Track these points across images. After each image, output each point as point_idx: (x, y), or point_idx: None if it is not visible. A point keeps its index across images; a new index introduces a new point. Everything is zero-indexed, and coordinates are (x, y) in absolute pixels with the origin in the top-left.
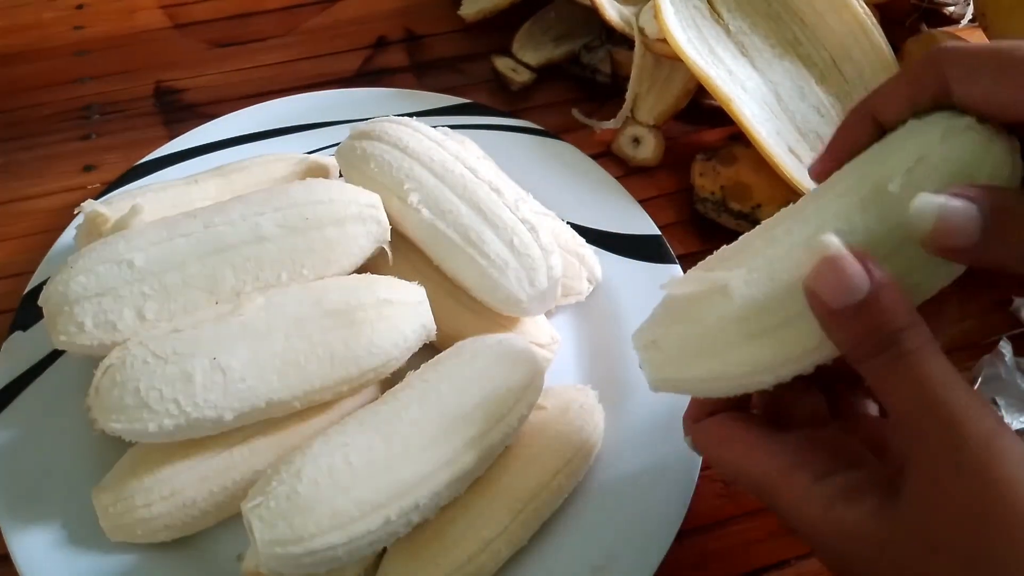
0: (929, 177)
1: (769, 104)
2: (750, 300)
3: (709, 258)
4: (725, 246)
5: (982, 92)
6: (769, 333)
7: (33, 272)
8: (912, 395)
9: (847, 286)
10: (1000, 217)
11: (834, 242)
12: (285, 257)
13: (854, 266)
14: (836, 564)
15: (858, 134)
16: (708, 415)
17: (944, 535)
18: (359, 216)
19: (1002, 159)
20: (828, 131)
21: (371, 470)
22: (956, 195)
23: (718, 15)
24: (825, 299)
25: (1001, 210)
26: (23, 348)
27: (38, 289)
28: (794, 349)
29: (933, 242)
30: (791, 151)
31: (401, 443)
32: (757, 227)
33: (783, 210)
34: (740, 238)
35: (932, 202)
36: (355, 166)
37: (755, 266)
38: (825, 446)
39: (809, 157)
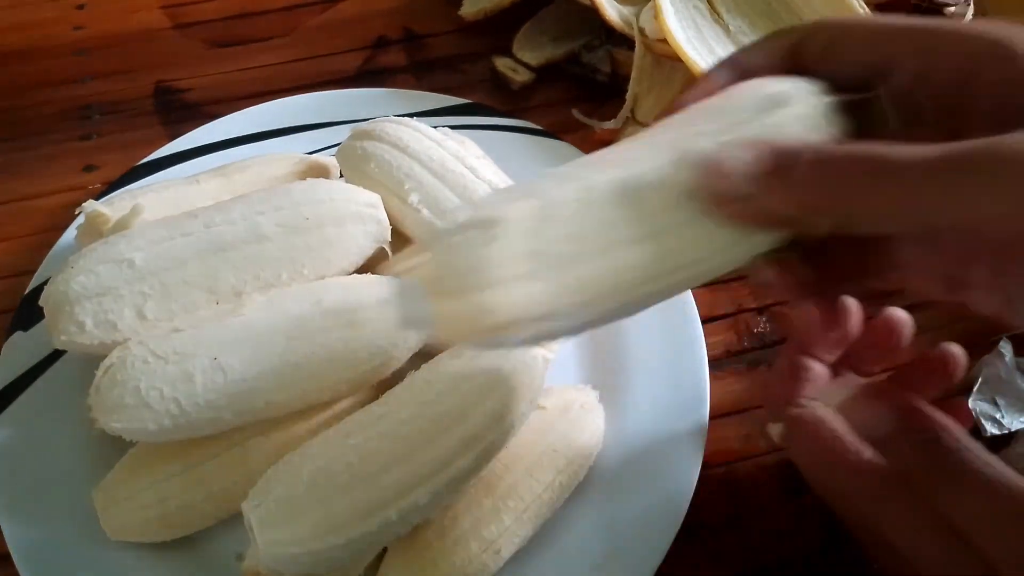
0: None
1: None
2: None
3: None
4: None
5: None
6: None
7: (34, 272)
8: None
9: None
10: (784, 161)
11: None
12: (285, 257)
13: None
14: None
15: (715, 87)
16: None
17: None
18: (359, 216)
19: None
20: None
21: (371, 471)
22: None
23: (718, 15)
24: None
25: (784, 154)
26: (24, 348)
27: (39, 289)
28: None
29: (700, 189)
30: None
31: (401, 444)
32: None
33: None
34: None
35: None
36: (355, 166)
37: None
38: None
39: None
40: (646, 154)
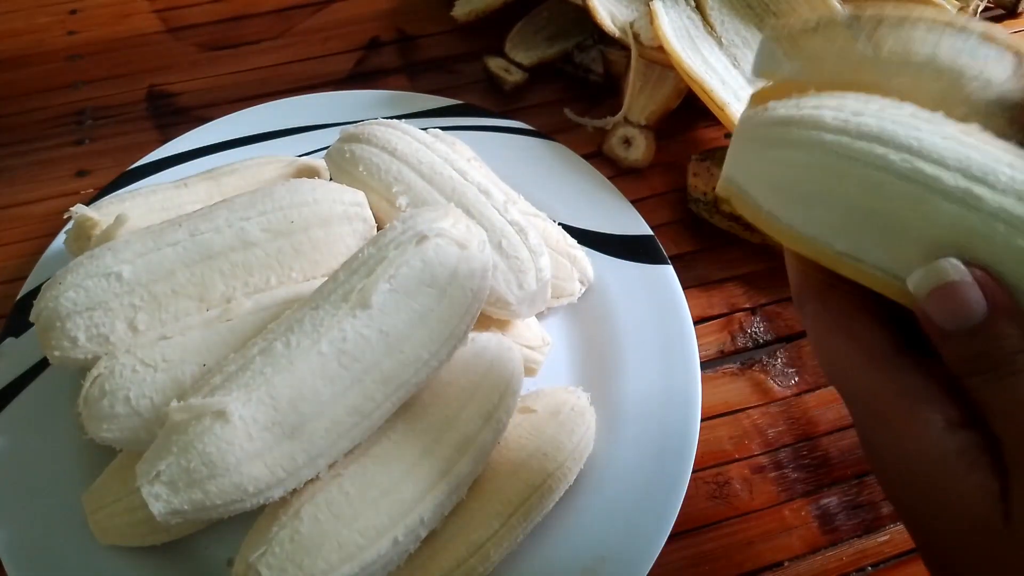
0: None
1: None
2: None
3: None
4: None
5: None
6: None
7: (26, 278)
8: (1017, 417)
9: (966, 313)
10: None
11: (956, 268)
12: (273, 261)
13: (973, 290)
14: (925, 523)
15: None
16: (829, 287)
17: None
18: (345, 215)
19: None
20: None
21: (370, 495)
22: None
23: (711, 27)
24: (938, 322)
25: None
26: (15, 354)
27: (30, 295)
28: None
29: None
30: None
31: (395, 462)
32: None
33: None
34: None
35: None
36: (344, 169)
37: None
38: (943, 390)
39: None
40: None
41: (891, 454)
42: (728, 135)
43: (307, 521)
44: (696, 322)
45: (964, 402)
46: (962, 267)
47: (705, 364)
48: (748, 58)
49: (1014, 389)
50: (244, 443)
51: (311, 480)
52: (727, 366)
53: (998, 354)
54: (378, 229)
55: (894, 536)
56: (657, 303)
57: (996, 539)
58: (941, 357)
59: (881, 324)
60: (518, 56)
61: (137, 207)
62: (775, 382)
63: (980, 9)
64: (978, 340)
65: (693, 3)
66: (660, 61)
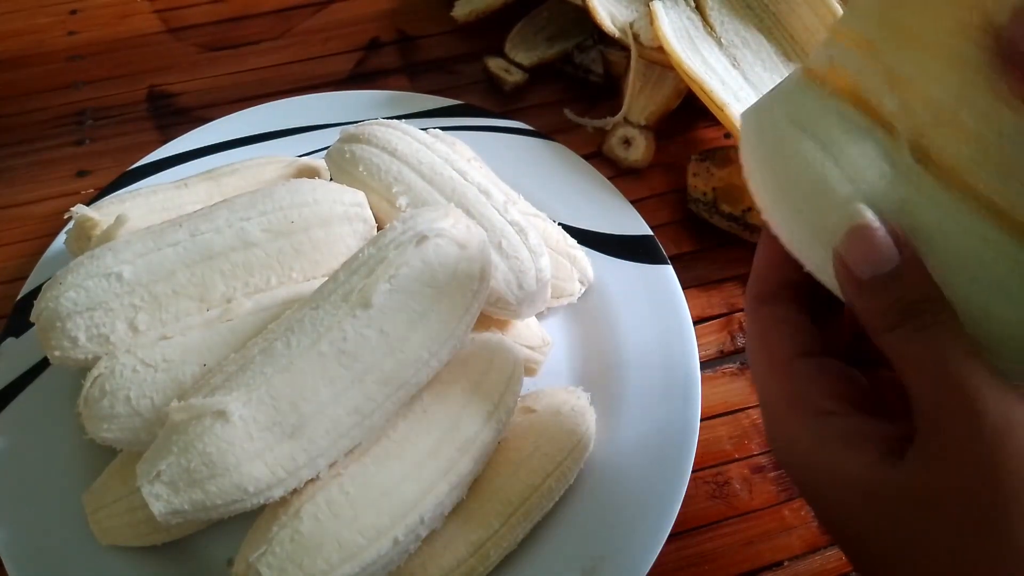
0: None
1: None
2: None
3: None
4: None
5: None
6: None
7: (26, 278)
8: (931, 368)
9: (877, 257)
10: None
11: (867, 212)
12: (273, 261)
13: (885, 238)
14: (821, 506)
15: None
16: (772, 296)
17: (949, 494)
18: (345, 216)
19: None
20: None
21: (370, 495)
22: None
23: (711, 27)
24: (854, 269)
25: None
26: (16, 354)
27: (31, 295)
28: None
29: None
30: None
31: (395, 462)
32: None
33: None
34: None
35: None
36: (344, 170)
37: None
38: (844, 382)
39: None
40: None
41: (784, 459)
42: (728, 135)
43: (307, 521)
44: (696, 322)
45: (858, 388)
46: (872, 214)
47: (705, 364)
48: (748, 58)
49: (932, 340)
50: (244, 443)
51: (311, 480)
52: (727, 366)
53: (914, 301)
54: (378, 229)
55: None
56: (657, 303)
57: (889, 499)
58: (855, 324)
59: (797, 332)
60: (518, 56)
61: (137, 207)
62: None
63: None
64: (894, 288)
65: (693, 4)
66: (660, 61)
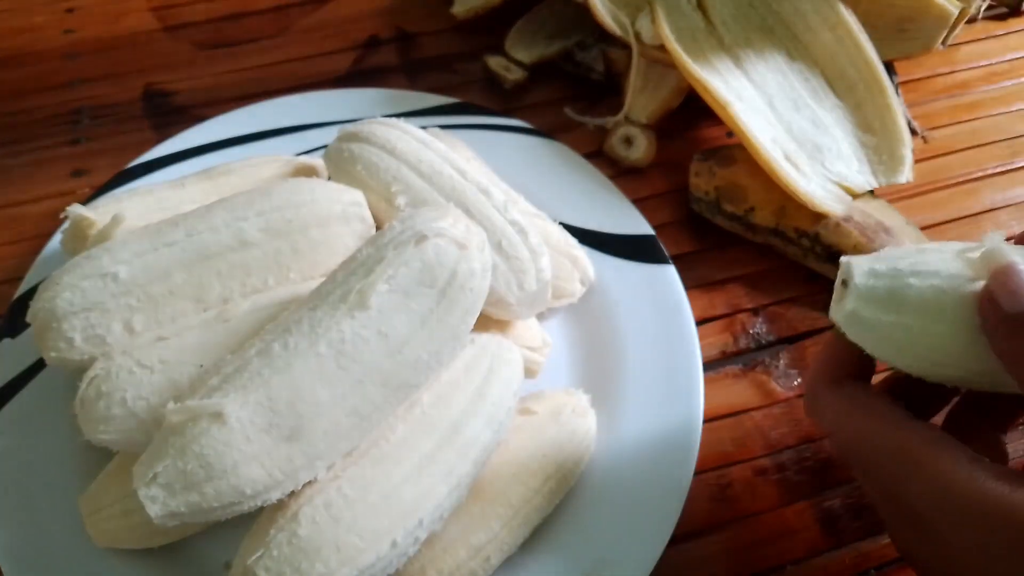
0: None
1: (764, 113)
2: None
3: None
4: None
5: None
6: None
7: (22, 278)
8: None
9: None
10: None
11: (1014, 252)
12: (271, 261)
13: None
14: (980, 544)
15: None
16: (837, 380)
17: None
18: (343, 215)
19: None
20: (824, 143)
21: (369, 498)
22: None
23: (713, 26)
24: (1003, 303)
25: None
26: (11, 355)
27: (27, 296)
28: None
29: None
30: (788, 158)
31: (394, 464)
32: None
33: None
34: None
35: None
36: (343, 168)
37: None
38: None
39: (808, 166)
40: None
41: (935, 497)
42: (730, 134)
43: (305, 524)
44: (698, 323)
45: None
46: (1015, 253)
47: (707, 365)
48: (750, 57)
49: None
50: (241, 445)
51: (309, 482)
52: (729, 367)
53: None
54: (377, 229)
55: None
56: (659, 304)
57: None
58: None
59: (891, 400)
60: (518, 54)
61: (134, 207)
62: (777, 384)
63: (983, 8)
64: None
65: (695, 2)
66: (661, 60)
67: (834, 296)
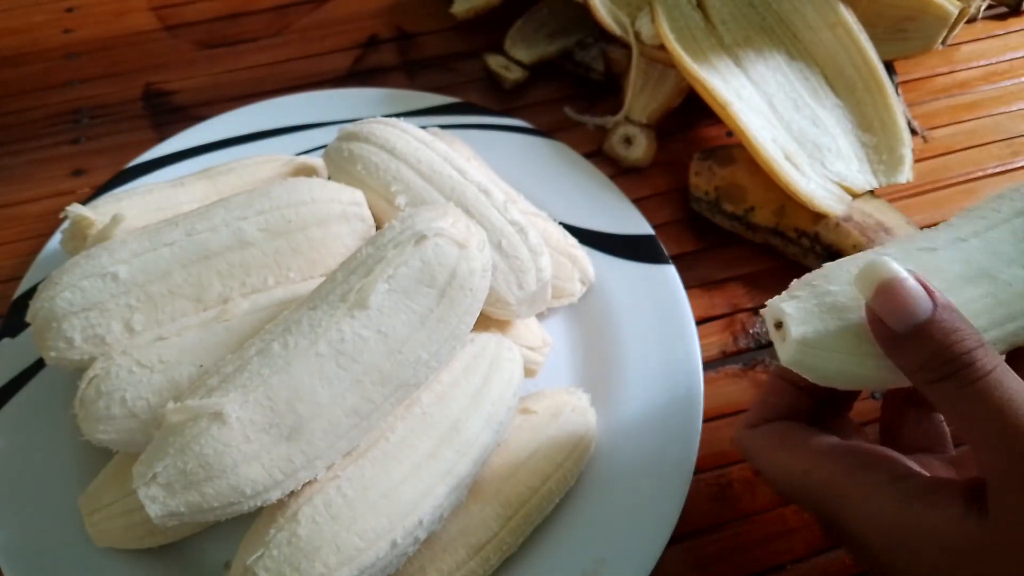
0: None
1: (764, 113)
2: None
3: None
4: None
5: None
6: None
7: (22, 278)
8: (990, 420)
9: (909, 308)
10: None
11: (893, 265)
12: (270, 261)
13: (916, 288)
14: (911, 565)
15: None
16: (766, 421)
17: None
18: (343, 215)
19: None
20: (824, 142)
21: (368, 498)
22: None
23: (713, 26)
24: (888, 321)
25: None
26: (11, 355)
27: (26, 295)
28: None
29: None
30: (788, 158)
31: (394, 464)
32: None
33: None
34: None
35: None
36: (342, 168)
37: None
38: (887, 453)
39: (808, 166)
40: None
41: (860, 527)
42: (730, 133)
43: (305, 524)
44: (698, 322)
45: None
46: (897, 265)
47: (707, 365)
48: (750, 56)
49: (982, 396)
50: (241, 445)
51: (309, 482)
52: (729, 367)
53: (955, 352)
54: (377, 228)
55: None
56: (659, 303)
57: (978, 549)
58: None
59: (812, 432)
60: (518, 54)
61: (133, 206)
62: None
63: (983, 8)
64: (932, 339)
65: (695, 1)
66: (661, 59)
67: (772, 337)
